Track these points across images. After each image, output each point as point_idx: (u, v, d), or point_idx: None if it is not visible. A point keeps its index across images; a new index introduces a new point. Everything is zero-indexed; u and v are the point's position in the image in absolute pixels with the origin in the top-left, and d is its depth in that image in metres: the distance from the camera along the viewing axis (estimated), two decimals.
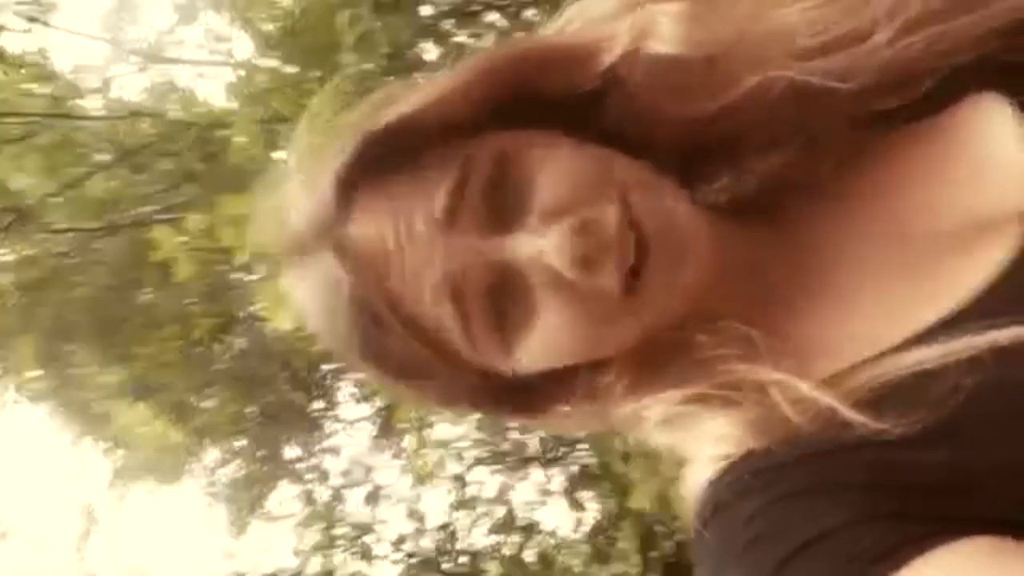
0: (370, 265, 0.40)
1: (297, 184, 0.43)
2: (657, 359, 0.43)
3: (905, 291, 0.41)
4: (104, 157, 4.65)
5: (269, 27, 3.13)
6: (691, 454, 0.43)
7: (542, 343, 0.40)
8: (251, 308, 4.19)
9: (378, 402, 3.47)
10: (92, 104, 4.86)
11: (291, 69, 3.26)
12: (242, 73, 3.58)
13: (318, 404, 3.74)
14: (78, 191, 4.46)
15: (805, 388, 0.38)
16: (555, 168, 0.40)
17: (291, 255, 0.43)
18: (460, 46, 3.20)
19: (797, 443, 0.38)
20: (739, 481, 0.39)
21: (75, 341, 3.81)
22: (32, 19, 4.51)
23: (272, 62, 3.44)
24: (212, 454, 3.63)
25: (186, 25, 4.25)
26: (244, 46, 4.00)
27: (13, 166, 4.37)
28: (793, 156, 0.44)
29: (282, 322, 3.33)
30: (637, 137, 0.44)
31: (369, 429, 3.80)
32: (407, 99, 0.42)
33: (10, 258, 4.46)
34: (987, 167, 0.42)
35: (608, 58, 0.42)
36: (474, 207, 0.40)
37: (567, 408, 0.46)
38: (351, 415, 3.85)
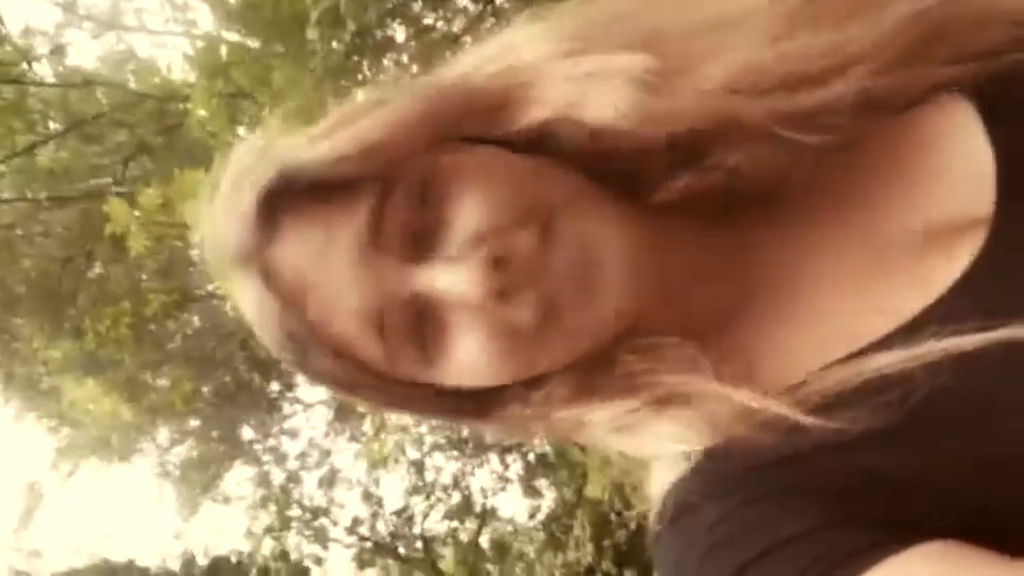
0: (294, 291, 0.40)
1: (225, 200, 0.42)
2: (593, 373, 0.42)
3: (868, 295, 0.41)
4: (55, 126, 4.48)
5: None
6: (649, 454, 0.43)
7: (461, 367, 0.40)
8: (210, 286, 4.10)
9: None
10: (43, 70, 4.67)
11: (253, 43, 3.18)
12: (202, 45, 3.47)
13: (275, 385, 3.69)
14: (26, 160, 4.29)
15: (745, 398, 0.38)
16: (475, 191, 0.39)
17: (227, 265, 0.43)
18: (429, 28, 3.15)
19: (760, 448, 0.37)
20: (701, 486, 0.39)
21: (22, 314, 3.68)
22: None
23: (234, 35, 3.35)
24: (164, 433, 3.55)
25: None
26: (205, 17, 3.87)
27: None
28: (752, 156, 0.42)
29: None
30: (572, 155, 0.42)
31: (326, 412, 3.76)
32: (334, 131, 0.40)
33: None
34: (950, 171, 0.41)
35: (539, 116, 0.40)
36: (394, 232, 0.39)
37: (508, 416, 0.46)
38: (309, 397, 3.80)
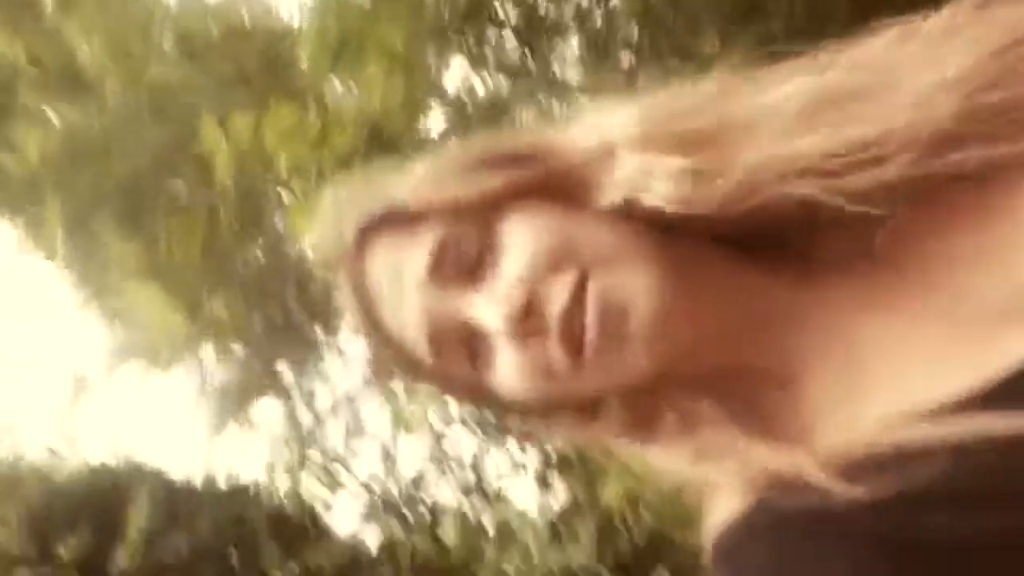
0: (373, 298, 0.49)
1: (335, 220, 0.53)
2: (637, 410, 0.46)
3: (936, 363, 0.40)
4: (170, 46, 4.70)
5: None
6: (706, 485, 0.45)
7: (503, 384, 0.46)
8: (279, 225, 4.25)
9: None
10: None
11: None
12: None
13: (320, 331, 3.78)
14: (138, 72, 4.51)
15: (767, 458, 0.40)
16: (524, 239, 0.45)
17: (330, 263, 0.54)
18: (540, 19, 3.18)
19: (816, 493, 0.38)
20: (754, 527, 0.40)
21: (103, 212, 3.88)
22: None
23: None
24: (208, 351, 3.69)
25: None
26: None
27: (81, 33, 4.43)
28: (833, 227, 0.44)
29: (309, 242, 3.37)
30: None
31: (363, 367, 3.84)
32: (421, 176, 0.49)
33: (58, 120, 4.55)
34: None
35: (611, 198, 0.45)
36: (454, 264, 0.46)
37: (562, 429, 0.50)
38: (350, 350, 3.88)
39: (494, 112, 3.20)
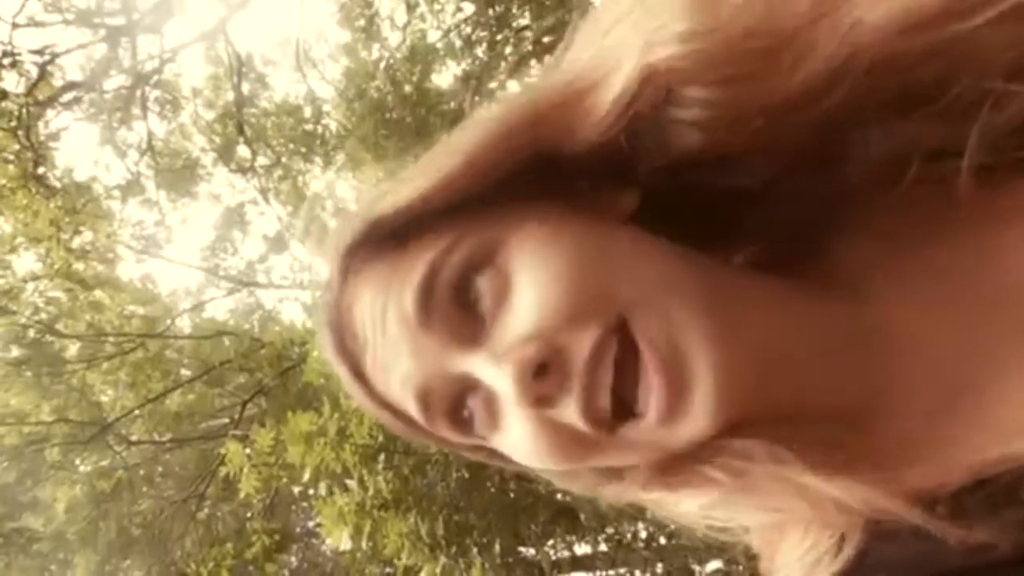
0: (351, 344, 0.39)
1: (321, 255, 0.43)
2: (670, 473, 0.36)
3: None
4: (187, 372, 4.93)
5: None
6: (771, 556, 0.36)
7: (514, 452, 0.36)
8: (310, 523, 4.13)
9: None
10: (182, 322, 5.27)
11: None
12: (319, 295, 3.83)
13: None
14: (157, 405, 4.67)
15: (840, 493, 0.32)
16: (539, 276, 0.35)
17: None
18: None
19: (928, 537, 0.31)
20: None
21: (133, 556, 3.79)
22: (142, 251, 5.10)
23: None
24: None
25: (275, 255, 4.71)
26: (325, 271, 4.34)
27: (104, 381, 4.67)
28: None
29: (338, 540, 3.25)
30: (681, 182, 0.37)
31: None
32: (409, 183, 0.39)
33: (88, 469, 4.61)
34: None
35: (614, 91, 0.35)
36: (444, 309, 0.36)
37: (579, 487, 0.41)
38: None
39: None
